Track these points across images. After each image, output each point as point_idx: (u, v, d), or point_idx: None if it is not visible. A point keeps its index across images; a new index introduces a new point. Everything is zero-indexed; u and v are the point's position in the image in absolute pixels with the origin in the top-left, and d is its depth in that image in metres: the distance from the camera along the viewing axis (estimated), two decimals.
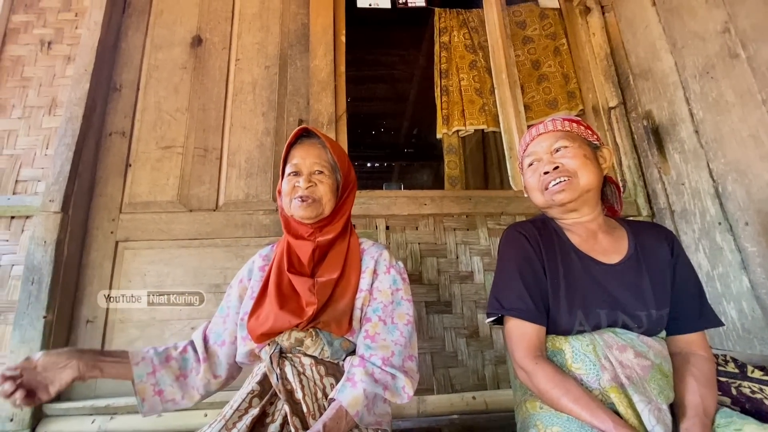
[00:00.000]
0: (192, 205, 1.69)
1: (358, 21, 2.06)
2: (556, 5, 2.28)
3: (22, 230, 1.55)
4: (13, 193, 1.60)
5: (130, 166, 1.71)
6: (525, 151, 1.03)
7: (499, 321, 0.98)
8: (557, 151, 0.96)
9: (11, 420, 1.34)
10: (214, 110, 1.83)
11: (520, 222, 1.07)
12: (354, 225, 1.12)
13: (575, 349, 0.87)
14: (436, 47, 2.16)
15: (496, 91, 2.02)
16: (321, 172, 0.98)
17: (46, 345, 1.41)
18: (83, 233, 1.60)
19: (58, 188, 1.53)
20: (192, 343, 0.99)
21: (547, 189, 0.95)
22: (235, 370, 1.00)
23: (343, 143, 1.81)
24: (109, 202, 1.66)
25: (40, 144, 1.66)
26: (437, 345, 1.58)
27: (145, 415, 0.90)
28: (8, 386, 0.73)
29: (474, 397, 1.49)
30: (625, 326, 0.87)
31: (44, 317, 1.42)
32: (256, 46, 1.95)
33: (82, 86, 1.68)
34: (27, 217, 1.55)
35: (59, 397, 1.44)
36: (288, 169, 1.01)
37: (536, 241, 0.97)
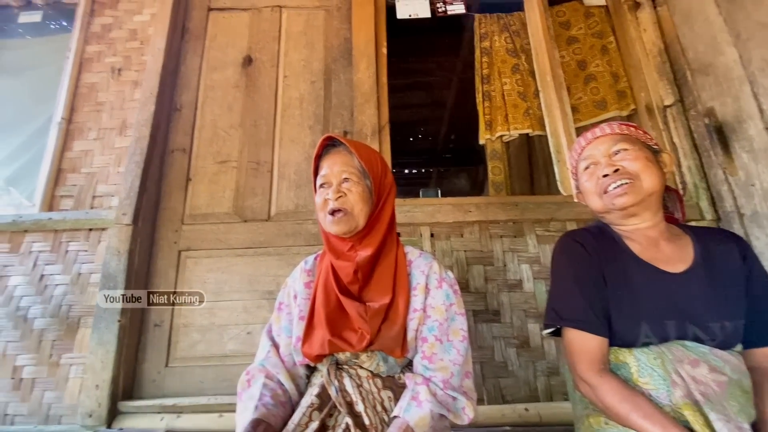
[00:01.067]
0: (246, 215, 1.78)
1: (395, 32, 2.09)
2: (602, 2, 2.20)
3: (99, 241, 1.70)
4: (91, 208, 1.76)
5: (190, 180, 1.84)
6: (581, 154, 1.00)
7: (557, 333, 0.95)
8: (616, 153, 0.93)
9: (90, 416, 1.47)
10: (264, 125, 1.93)
11: (574, 230, 1.03)
12: (399, 233, 1.07)
13: (641, 363, 0.83)
14: (477, 53, 2.15)
15: (540, 94, 1.97)
16: (348, 180, 0.94)
17: (120, 347, 1.53)
18: (150, 243, 1.74)
19: (129, 202, 1.68)
20: (276, 377, 0.95)
21: (606, 192, 0.92)
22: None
23: (387, 153, 1.84)
24: (173, 215, 1.78)
25: (113, 162, 1.82)
26: (486, 354, 1.56)
27: None
28: None
29: (527, 409, 1.45)
30: (696, 339, 0.82)
31: (119, 321, 1.55)
32: (302, 63, 2.04)
33: (148, 108, 1.83)
34: (102, 229, 1.71)
35: (131, 396, 1.57)
36: (318, 181, 0.98)
37: (594, 250, 0.93)
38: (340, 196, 0.93)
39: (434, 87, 3.66)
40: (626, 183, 0.90)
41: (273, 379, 0.91)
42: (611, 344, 0.86)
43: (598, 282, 0.89)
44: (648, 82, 2.00)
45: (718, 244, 0.91)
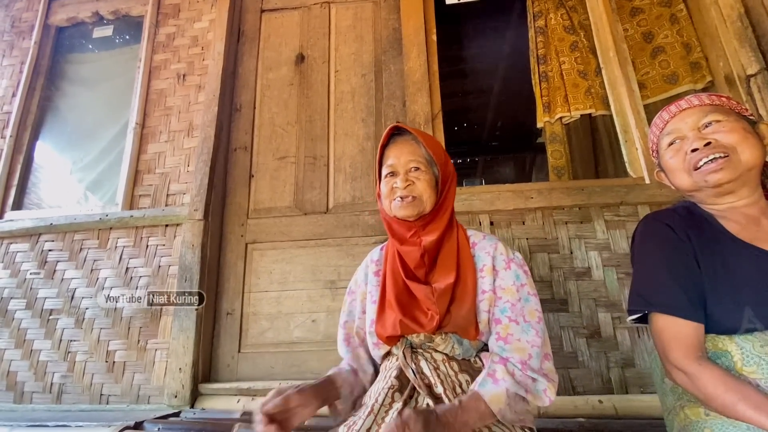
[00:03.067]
0: (306, 208, 1.84)
1: (439, 18, 2.05)
2: None
3: (174, 236, 1.83)
4: (166, 205, 1.90)
5: (253, 176, 1.92)
6: (663, 129, 0.91)
7: (642, 320, 0.90)
8: (707, 126, 0.84)
9: (176, 397, 1.59)
10: (319, 120, 1.97)
11: (658, 211, 0.95)
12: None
13: (745, 351, 0.76)
14: (531, 32, 2.06)
15: (603, 72, 1.86)
16: (417, 169, 0.95)
17: (198, 333, 1.65)
18: (219, 237, 1.85)
19: (200, 199, 1.79)
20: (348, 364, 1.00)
21: (697, 169, 0.84)
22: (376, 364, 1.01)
23: (441, 141, 1.82)
24: (238, 209, 1.88)
25: (183, 162, 1.95)
26: (554, 345, 1.51)
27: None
28: (265, 422, 0.75)
29: (600, 401, 1.39)
30: None
31: (196, 310, 1.66)
32: (352, 56, 2.06)
33: (212, 110, 1.93)
34: (177, 224, 1.83)
35: (209, 379, 1.68)
36: (384, 171, 0.99)
37: (683, 231, 0.85)
38: (408, 185, 0.94)
39: (478, 73, 3.57)
40: (721, 157, 0.82)
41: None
42: (707, 331, 0.80)
43: (691, 265, 0.82)
44: (727, 51, 1.82)
45: None
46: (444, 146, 1.71)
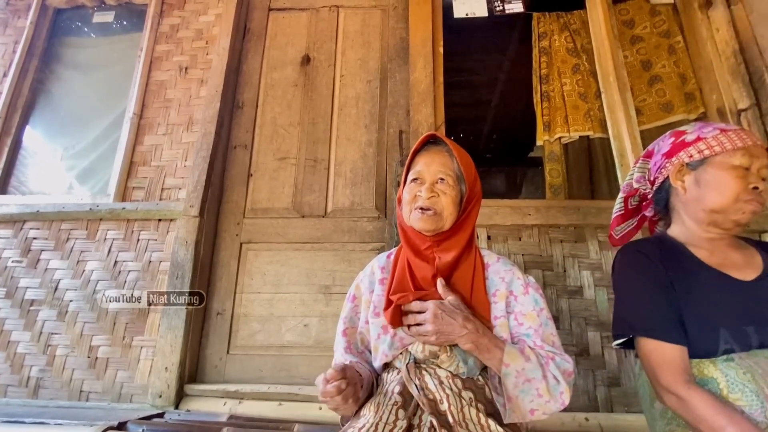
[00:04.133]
0: (304, 211, 1.83)
1: (445, 30, 2.08)
2: (670, 0, 2.10)
3: (167, 231, 1.79)
4: (160, 199, 1.86)
5: (251, 175, 1.90)
6: (734, 149, 0.87)
7: (628, 345, 0.93)
8: (762, 168, 0.89)
9: (160, 396, 1.55)
10: (321, 123, 1.96)
11: (635, 241, 1.01)
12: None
13: (730, 378, 0.80)
14: (535, 52, 2.11)
15: (603, 96, 1.91)
16: (444, 181, 0.92)
17: (187, 332, 1.61)
18: (214, 235, 1.82)
19: (196, 195, 1.75)
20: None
21: (746, 201, 0.87)
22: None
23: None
24: (235, 208, 1.85)
25: (180, 156, 1.91)
26: None
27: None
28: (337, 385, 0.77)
29: (587, 419, 1.42)
30: None
31: (186, 308, 1.63)
32: (359, 62, 2.06)
33: (214, 105, 1.91)
34: (171, 220, 1.80)
35: (195, 379, 1.65)
36: (410, 176, 0.96)
37: (658, 259, 0.91)
38: (432, 196, 0.91)
39: (477, 86, 3.61)
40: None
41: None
42: (691, 356, 0.84)
43: (667, 290, 0.88)
44: (720, 84, 1.90)
45: None
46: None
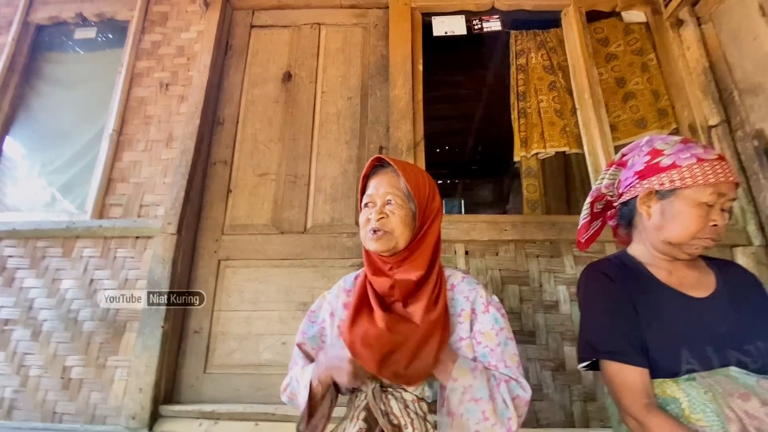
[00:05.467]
0: (283, 227, 1.83)
1: (426, 45, 2.11)
2: (643, 19, 2.17)
3: (145, 249, 1.78)
4: (138, 216, 1.85)
5: (231, 191, 1.90)
6: (705, 182, 0.86)
7: (594, 366, 0.94)
8: (727, 201, 0.89)
9: (133, 418, 1.53)
10: (302, 140, 1.98)
11: (597, 261, 1.02)
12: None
13: (692, 398, 0.81)
14: (513, 69, 2.15)
15: (578, 112, 1.95)
16: (392, 202, 0.93)
17: (163, 352, 1.60)
18: (192, 252, 1.81)
19: (175, 212, 1.75)
20: None
21: (699, 239, 0.89)
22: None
23: (421, 167, 1.85)
24: (213, 224, 1.85)
25: (159, 173, 1.91)
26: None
27: None
28: None
29: None
30: (739, 364, 0.81)
31: (162, 327, 1.61)
32: (340, 79, 2.09)
33: (194, 122, 1.91)
34: (148, 237, 1.79)
35: (171, 400, 1.62)
36: (363, 200, 0.98)
37: (620, 279, 0.93)
38: (381, 218, 0.92)
39: (462, 100, 3.67)
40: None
41: None
42: (654, 376, 0.85)
43: (629, 311, 0.89)
44: (691, 101, 1.96)
45: (732, 271, 0.96)
46: (426, 175, 1.73)
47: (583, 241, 1.12)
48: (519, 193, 4.82)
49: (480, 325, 0.90)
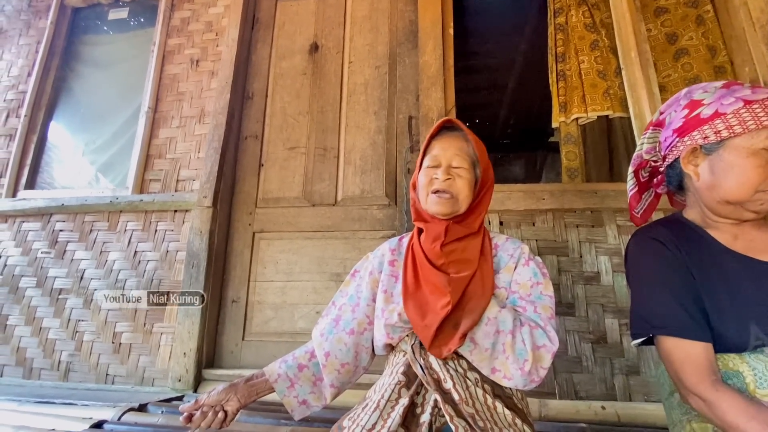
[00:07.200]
0: (314, 200, 1.84)
1: (454, 13, 2.00)
2: None
3: (183, 222, 1.84)
4: (175, 191, 1.90)
5: (263, 165, 1.92)
6: (756, 125, 0.75)
7: (648, 342, 0.87)
8: None
9: (179, 380, 1.61)
10: (330, 112, 1.95)
11: (647, 226, 0.91)
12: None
13: (758, 373, 0.73)
14: (551, 29, 2.01)
15: (623, 73, 1.81)
16: (460, 167, 0.93)
17: (203, 320, 1.66)
18: (227, 225, 1.85)
19: (209, 186, 1.79)
20: (315, 341, 0.98)
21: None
22: (364, 358, 0.98)
23: None
24: (247, 198, 1.88)
25: (194, 148, 1.95)
26: (559, 349, 1.48)
27: (297, 418, 0.94)
28: (198, 413, 0.86)
29: (603, 407, 1.38)
30: None
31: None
32: (367, 48, 2.03)
33: (224, 97, 1.93)
34: (186, 210, 1.84)
35: (213, 365, 1.70)
36: (426, 162, 0.97)
37: (675, 246, 0.83)
38: (448, 179, 0.92)
39: (494, 69, 3.50)
40: None
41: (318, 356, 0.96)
42: (716, 350, 0.77)
43: (688, 280, 0.79)
44: (754, 56, 1.76)
45: None
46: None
47: (637, 214, 1.03)
48: (553, 169, 4.65)
49: (518, 275, 0.90)
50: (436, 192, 0.92)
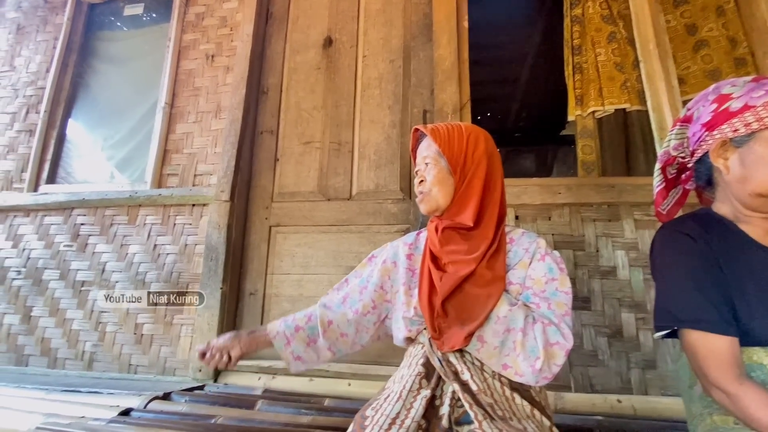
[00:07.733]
0: (329, 194, 1.85)
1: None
2: None
3: (201, 216, 1.87)
4: (193, 185, 1.93)
5: (278, 160, 1.94)
6: None
7: (672, 335, 0.87)
8: None
9: (200, 371, 1.65)
10: (345, 106, 1.96)
11: (676, 220, 0.91)
12: None
13: None
14: (567, 21, 1.99)
15: (641, 65, 1.79)
16: (427, 165, 0.98)
17: (222, 311, 1.70)
18: (244, 219, 1.88)
19: (227, 180, 1.81)
20: (318, 310, 1.05)
21: None
22: (363, 337, 1.04)
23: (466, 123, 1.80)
24: (263, 192, 1.90)
25: (210, 143, 1.97)
26: (574, 342, 1.48)
27: (293, 371, 1.03)
28: (208, 354, 0.98)
29: (619, 401, 1.39)
30: None
31: (221, 288, 1.71)
32: (381, 41, 2.03)
33: (240, 92, 1.94)
34: (204, 204, 1.87)
35: None
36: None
37: (704, 240, 0.82)
38: (420, 181, 0.99)
39: (506, 62, 3.48)
40: None
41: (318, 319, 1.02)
42: (743, 344, 0.76)
43: (717, 276, 0.79)
44: None
45: None
46: (466, 127, 1.67)
47: (663, 211, 1.01)
48: (564, 163, 4.62)
49: (532, 271, 0.89)
50: (419, 194, 0.99)
